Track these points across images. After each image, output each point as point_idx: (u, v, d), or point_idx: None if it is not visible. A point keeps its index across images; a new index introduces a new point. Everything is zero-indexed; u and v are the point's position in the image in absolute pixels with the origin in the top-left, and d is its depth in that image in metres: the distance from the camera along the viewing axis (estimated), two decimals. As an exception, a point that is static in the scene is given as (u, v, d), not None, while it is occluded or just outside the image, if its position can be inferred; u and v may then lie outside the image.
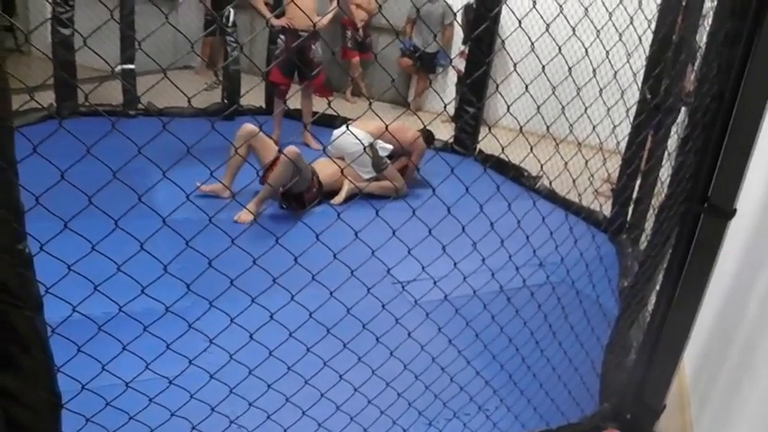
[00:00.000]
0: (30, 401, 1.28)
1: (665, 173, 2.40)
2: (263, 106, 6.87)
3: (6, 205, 1.11)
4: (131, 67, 5.91)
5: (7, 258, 1.14)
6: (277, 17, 5.56)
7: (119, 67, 5.82)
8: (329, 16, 5.54)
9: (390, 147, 4.87)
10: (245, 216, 4.00)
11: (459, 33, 8.02)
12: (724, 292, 2.51)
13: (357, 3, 7.98)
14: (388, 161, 4.91)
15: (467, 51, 6.75)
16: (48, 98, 5.58)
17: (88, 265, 1.40)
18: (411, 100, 8.48)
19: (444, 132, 6.67)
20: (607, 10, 2.01)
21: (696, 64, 2.76)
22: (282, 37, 5.56)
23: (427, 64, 8.16)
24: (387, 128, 1.80)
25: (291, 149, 4.04)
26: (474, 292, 2.21)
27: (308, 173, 4.31)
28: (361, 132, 4.63)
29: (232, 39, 6.56)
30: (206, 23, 8.37)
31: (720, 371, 2.38)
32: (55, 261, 1.29)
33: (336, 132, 4.81)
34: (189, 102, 1.42)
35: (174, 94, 1.72)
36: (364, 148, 4.59)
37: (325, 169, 4.63)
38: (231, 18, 6.41)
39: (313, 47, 5.64)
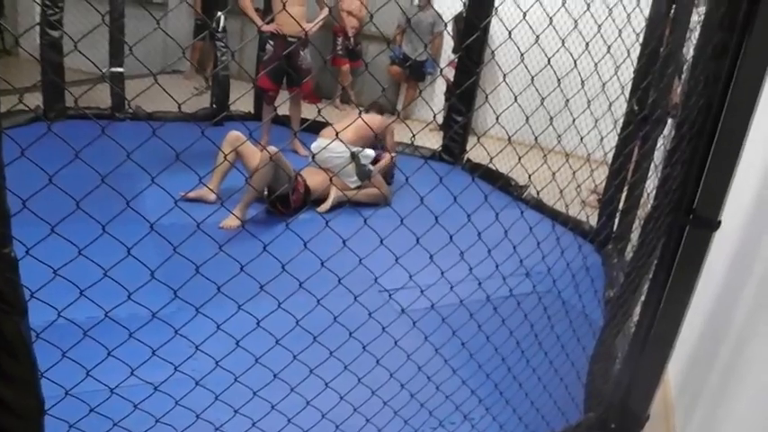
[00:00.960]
0: (15, 407, 1.27)
1: (652, 184, 2.42)
2: (252, 111, 6.86)
3: (-7, 210, 1.10)
4: (120, 70, 5.90)
5: (-6, 263, 1.13)
6: (268, 23, 5.56)
7: (107, 71, 5.80)
8: (319, 23, 5.55)
9: (372, 153, 4.90)
10: (230, 222, 3.98)
11: (448, 42, 8.06)
12: (710, 302, 2.53)
13: (348, 10, 8.00)
14: (372, 168, 4.92)
15: (456, 61, 6.78)
16: (35, 100, 5.55)
17: (73, 270, 1.39)
18: (400, 108, 8.49)
19: (433, 141, 6.68)
20: (596, 22, 2.02)
21: (683, 77, 2.78)
22: (271, 43, 5.57)
23: (416, 72, 8.19)
24: (361, 120, 1.80)
25: (271, 149, 4.07)
26: (461, 301, 2.21)
27: (289, 171, 4.30)
28: (340, 146, 4.64)
29: (222, 44, 6.55)
30: (196, 28, 8.36)
31: (706, 380, 2.39)
32: (38, 264, 1.28)
33: (315, 147, 4.83)
34: (179, 107, 1.42)
35: (162, 99, 1.72)
36: (353, 157, 4.61)
37: (313, 177, 4.64)
38: (222, 23, 6.41)
39: (302, 53, 5.65)
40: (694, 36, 2.24)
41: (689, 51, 2.58)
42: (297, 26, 5.21)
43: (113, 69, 5.84)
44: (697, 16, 2.35)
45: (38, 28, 5.48)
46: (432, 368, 2.31)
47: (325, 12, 5.63)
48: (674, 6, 3.77)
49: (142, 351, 1.62)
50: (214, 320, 1.74)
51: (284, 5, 2.13)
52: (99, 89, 6.22)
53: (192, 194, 4.14)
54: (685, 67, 2.62)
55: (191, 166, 1.50)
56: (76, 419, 1.54)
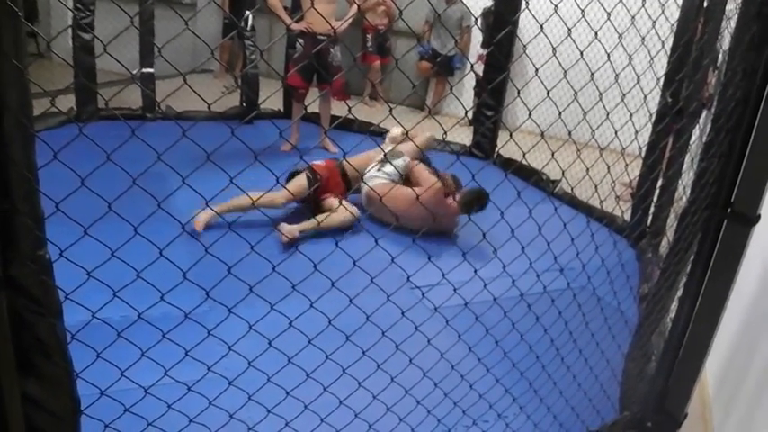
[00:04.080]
0: (51, 407, 1.29)
1: (687, 178, 2.38)
2: (282, 110, 6.88)
3: (28, 213, 1.11)
4: (151, 71, 5.95)
5: (30, 265, 1.14)
6: (296, 22, 5.57)
7: (138, 72, 5.86)
8: (349, 20, 5.55)
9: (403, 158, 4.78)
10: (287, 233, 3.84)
11: (476, 36, 8.01)
12: (748, 298, 2.48)
13: (383, 8, 7.96)
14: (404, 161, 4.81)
15: (485, 55, 6.73)
16: (68, 102, 5.62)
17: (106, 270, 1.39)
18: (430, 104, 8.46)
19: (463, 136, 6.65)
20: (629, 12, 1.98)
21: (718, 68, 2.73)
22: (301, 41, 5.58)
23: (445, 67, 8.15)
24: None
25: (354, 210, 4.10)
26: (494, 298, 2.19)
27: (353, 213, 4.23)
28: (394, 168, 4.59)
29: (251, 43, 6.57)
30: (224, 27, 8.41)
31: (744, 379, 2.34)
32: (71, 266, 1.28)
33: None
34: (209, 107, 1.42)
35: (191, 98, 1.72)
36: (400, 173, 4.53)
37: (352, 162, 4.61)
38: (250, 22, 6.44)
39: (331, 51, 5.65)
40: (730, 26, 2.19)
41: (724, 42, 2.52)
42: (326, 24, 5.21)
43: (144, 70, 5.89)
44: (734, 5, 2.29)
45: (70, 31, 5.54)
46: (465, 366, 2.29)
47: (354, 9, 5.62)
48: (708, -4, 3.71)
49: (175, 351, 1.62)
50: (246, 320, 1.74)
51: (312, 3, 2.11)
52: (129, 90, 6.28)
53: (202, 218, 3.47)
54: (720, 59, 2.56)
55: (220, 165, 1.50)
56: (112, 419, 1.56)
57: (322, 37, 5.49)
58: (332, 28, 5.33)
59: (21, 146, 1.09)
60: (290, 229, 3.86)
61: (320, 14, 1.78)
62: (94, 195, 1.33)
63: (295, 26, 5.56)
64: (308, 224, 3.98)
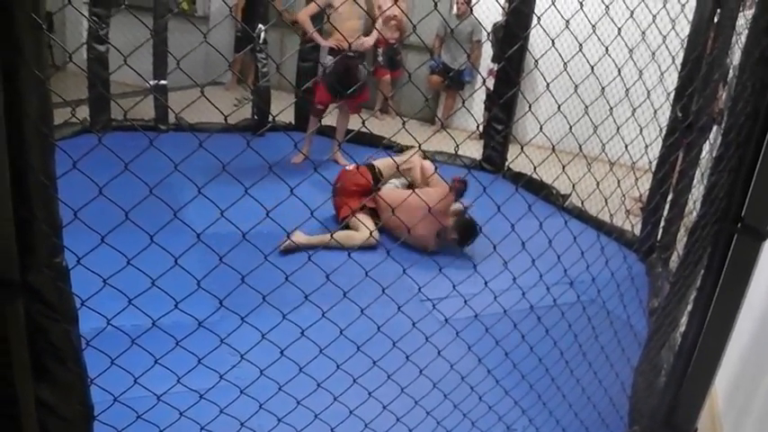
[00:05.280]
0: (65, 413, 1.30)
1: (697, 192, 2.38)
2: (293, 122, 6.91)
3: (46, 220, 1.13)
4: (164, 82, 6.00)
5: (46, 272, 1.16)
6: (313, 32, 5.61)
7: (153, 83, 5.92)
8: (374, 35, 5.60)
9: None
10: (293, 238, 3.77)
11: (487, 51, 8.03)
12: (758, 312, 2.47)
13: (394, 22, 8.00)
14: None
15: (496, 70, 6.75)
16: (82, 113, 5.68)
17: (119, 278, 1.41)
18: (440, 117, 8.49)
19: (473, 149, 6.66)
20: (638, 27, 2.00)
21: (728, 83, 2.74)
22: (330, 57, 5.60)
23: (456, 81, 8.18)
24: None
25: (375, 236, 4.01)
26: (504, 310, 2.20)
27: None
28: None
29: (263, 56, 6.62)
30: (236, 40, 8.48)
31: (755, 393, 2.33)
32: (86, 273, 1.30)
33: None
34: (225, 119, 1.44)
35: (203, 110, 1.75)
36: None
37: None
38: (262, 35, 6.48)
39: (360, 66, 5.70)
40: (741, 40, 2.20)
41: (734, 56, 2.53)
42: (355, 40, 5.29)
43: (158, 82, 5.95)
44: (744, 19, 2.31)
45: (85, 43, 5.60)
46: (474, 378, 2.30)
47: (379, 23, 5.66)
48: (718, 10, 3.72)
49: (188, 359, 1.64)
50: (258, 329, 1.76)
51: (328, 18, 2.13)
52: (141, 101, 6.34)
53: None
54: (731, 73, 2.57)
55: (234, 176, 1.52)
56: (124, 426, 1.57)
57: (352, 53, 5.54)
58: (362, 44, 5.41)
59: (40, 154, 1.11)
60: (296, 236, 3.82)
61: (340, 33, 1.80)
62: (106, 205, 1.35)
63: (326, 43, 5.58)
64: (321, 239, 3.98)
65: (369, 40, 5.59)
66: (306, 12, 5.55)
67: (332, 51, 5.57)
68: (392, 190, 4.54)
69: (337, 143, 5.94)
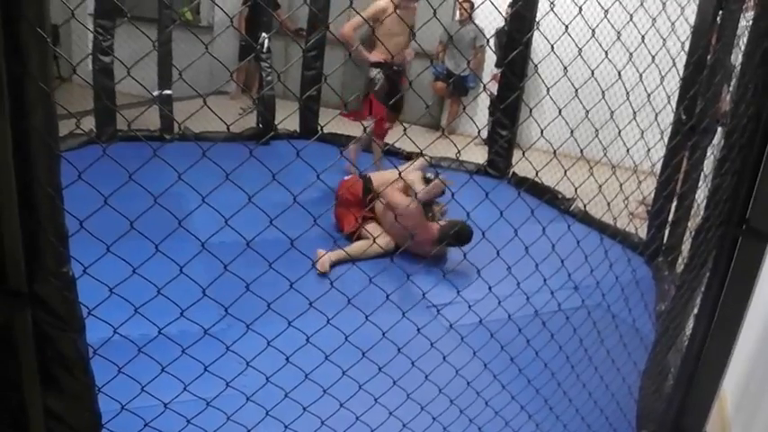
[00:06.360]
0: (72, 422, 1.31)
1: (702, 194, 2.38)
2: (297, 130, 6.94)
3: (53, 230, 1.15)
4: (169, 92, 6.03)
5: (53, 282, 1.17)
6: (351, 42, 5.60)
7: (158, 94, 5.95)
8: (413, 48, 5.64)
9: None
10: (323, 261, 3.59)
11: (490, 56, 8.04)
12: (765, 313, 2.47)
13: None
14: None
15: (499, 75, 6.76)
16: (87, 124, 5.70)
17: (125, 287, 1.42)
18: (444, 124, 8.50)
19: (478, 155, 6.67)
20: (639, 32, 2.00)
21: (731, 85, 2.74)
22: (378, 70, 5.54)
23: (459, 87, 8.19)
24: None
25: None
26: (509, 315, 2.20)
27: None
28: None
29: (267, 65, 6.65)
30: (241, 49, 8.52)
31: (764, 395, 2.32)
32: (93, 282, 1.31)
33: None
34: (228, 128, 1.45)
35: (208, 119, 1.76)
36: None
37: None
38: (266, 44, 6.50)
39: (404, 78, 5.74)
40: (742, 42, 2.20)
41: (737, 58, 2.54)
42: (401, 54, 5.36)
43: (162, 92, 5.98)
44: (745, 22, 2.31)
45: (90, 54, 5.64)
46: (480, 384, 2.29)
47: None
48: (720, 13, 3.72)
49: (194, 367, 1.65)
50: (264, 336, 1.76)
51: (373, 32, 2.15)
52: (146, 112, 6.36)
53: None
54: (734, 75, 2.58)
55: (238, 184, 1.53)
56: (132, 434, 1.58)
57: (397, 67, 5.57)
58: (405, 57, 5.48)
59: (46, 165, 1.13)
60: (322, 263, 3.76)
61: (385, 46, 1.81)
62: (112, 214, 1.36)
63: (373, 58, 5.55)
64: (341, 254, 3.93)
65: (411, 53, 5.61)
66: (350, 25, 5.40)
67: (379, 65, 5.56)
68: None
69: (379, 152, 5.95)
